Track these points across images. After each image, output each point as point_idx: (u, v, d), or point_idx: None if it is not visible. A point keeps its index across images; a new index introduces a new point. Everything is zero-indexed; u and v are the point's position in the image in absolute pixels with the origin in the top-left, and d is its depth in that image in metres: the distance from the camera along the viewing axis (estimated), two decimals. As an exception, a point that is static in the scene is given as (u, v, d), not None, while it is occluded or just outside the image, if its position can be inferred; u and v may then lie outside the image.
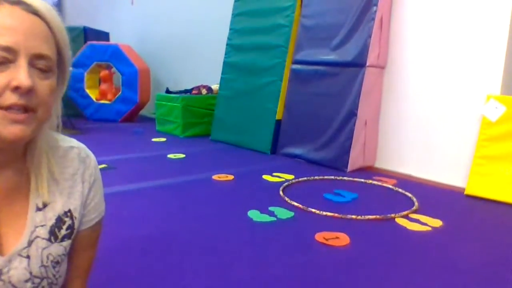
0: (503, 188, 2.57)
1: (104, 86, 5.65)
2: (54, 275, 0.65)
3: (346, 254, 1.77)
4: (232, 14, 4.29)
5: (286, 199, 2.44)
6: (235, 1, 4.28)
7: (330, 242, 1.86)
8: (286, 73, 3.75)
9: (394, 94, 3.34)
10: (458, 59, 2.93)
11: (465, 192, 2.73)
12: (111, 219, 2.08)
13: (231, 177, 2.92)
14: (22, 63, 0.58)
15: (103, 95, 5.65)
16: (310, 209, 2.28)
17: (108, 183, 2.64)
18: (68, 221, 0.66)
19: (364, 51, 3.17)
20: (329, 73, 3.40)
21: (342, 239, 1.91)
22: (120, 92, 5.48)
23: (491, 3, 2.74)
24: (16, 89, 0.57)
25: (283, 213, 2.22)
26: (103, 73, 5.59)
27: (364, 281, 1.54)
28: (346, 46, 3.29)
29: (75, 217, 0.68)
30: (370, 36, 3.15)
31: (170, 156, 3.52)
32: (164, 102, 4.80)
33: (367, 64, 3.16)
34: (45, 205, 0.64)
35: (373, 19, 3.14)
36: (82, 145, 0.74)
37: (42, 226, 0.63)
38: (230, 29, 4.30)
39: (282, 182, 2.81)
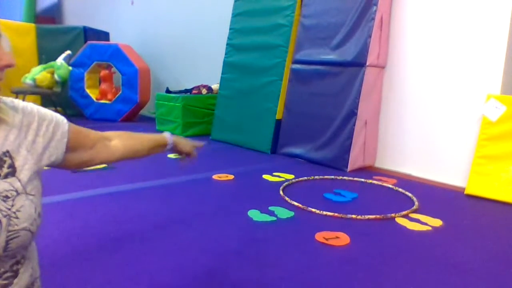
0: (503, 188, 2.57)
1: (104, 86, 5.65)
2: (8, 209, 0.72)
3: (346, 254, 1.78)
4: (232, 14, 4.29)
5: (286, 198, 2.44)
6: (235, 1, 4.28)
7: (330, 242, 1.86)
8: (286, 72, 3.76)
9: (394, 94, 3.34)
10: (458, 59, 2.93)
11: (465, 192, 2.73)
12: (111, 219, 2.09)
13: (231, 176, 2.92)
14: (1, 45, 0.70)
15: (103, 94, 5.65)
16: (310, 208, 2.28)
17: (108, 183, 2.65)
18: (8, 161, 0.74)
19: (364, 50, 3.17)
20: (329, 73, 3.40)
21: (342, 238, 1.91)
22: (120, 92, 5.48)
23: (491, 3, 2.74)
24: (5, 67, 0.71)
25: (283, 213, 2.22)
26: (103, 73, 5.59)
27: (364, 281, 1.54)
28: (346, 45, 3.29)
29: (14, 157, 0.75)
30: (370, 36, 3.15)
31: (170, 156, 3.52)
32: (164, 102, 4.80)
33: (367, 63, 3.16)
34: None
35: (373, 19, 3.14)
36: (6, 98, 0.81)
37: None
38: (230, 29, 4.30)
39: (282, 182, 2.81)
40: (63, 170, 0.92)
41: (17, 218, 0.72)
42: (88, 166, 0.97)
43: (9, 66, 0.72)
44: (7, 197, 0.72)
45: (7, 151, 0.75)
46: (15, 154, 0.75)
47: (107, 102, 5.57)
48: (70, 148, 0.87)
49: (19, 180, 0.75)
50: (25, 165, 0.77)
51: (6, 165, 0.74)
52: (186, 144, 1.26)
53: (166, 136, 1.19)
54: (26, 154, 0.77)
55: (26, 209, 0.74)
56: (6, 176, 0.73)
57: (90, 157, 0.94)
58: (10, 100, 0.80)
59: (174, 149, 1.23)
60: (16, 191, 0.74)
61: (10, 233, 0.71)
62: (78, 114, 5.59)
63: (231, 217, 2.15)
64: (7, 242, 0.71)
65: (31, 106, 0.82)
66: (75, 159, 0.90)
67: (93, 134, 0.97)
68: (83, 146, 0.92)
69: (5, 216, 0.71)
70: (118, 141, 1.02)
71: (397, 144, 3.35)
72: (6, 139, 0.75)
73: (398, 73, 3.30)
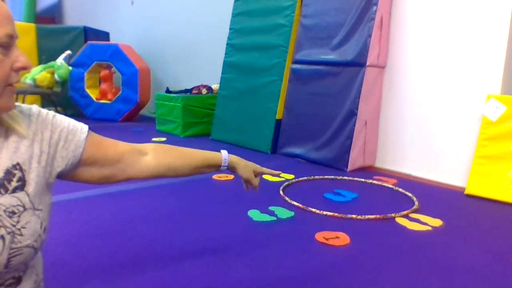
0: (503, 188, 2.57)
1: (104, 86, 5.65)
2: (13, 225, 0.68)
3: (346, 254, 1.78)
4: (232, 14, 4.29)
5: (286, 198, 2.44)
6: (235, 1, 4.28)
7: (330, 242, 1.86)
8: (286, 72, 3.75)
9: (394, 94, 3.34)
10: (458, 59, 2.93)
11: (465, 192, 2.73)
12: (111, 219, 2.09)
13: (231, 176, 2.92)
14: (18, 48, 0.69)
15: (103, 94, 5.65)
16: (310, 208, 2.28)
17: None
18: (18, 174, 0.70)
19: (364, 50, 3.17)
20: (329, 73, 3.40)
21: (342, 238, 1.91)
22: (120, 92, 5.48)
23: (491, 3, 2.74)
24: (21, 69, 0.68)
25: (283, 213, 2.22)
26: (103, 72, 5.59)
27: (364, 281, 1.54)
28: (346, 45, 3.29)
29: (25, 170, 0.71)
30: (370, 36, 3.15)
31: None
32: (164, 102, 4.80)
33: (367, 63, 3.16)
34: None
35: (373, 18, 3.14)
36: (25, 105, 0.77)
37: None
38: (230, 29, 4.30)
39: (282, 182, 2.81)
40: (83, 183, 0.85)
41: (21, 235, 0.69)
42: (111, 183, 0.87)
43: (25, 68, 0.69)
44: (13, 212, 0.69)
45: (18, 164, 0.71)
46: (26, 167, 0.72)
47: (107, 102, 5.57)
48: (85, 161, 0.81)
49: (28, 195, 0.71)
50: (36, 178, 0.73)
51: (15, 179, 0.70)
52: (246, 168, 1.05)
53: (223, 155, 1.01)
54: (37, 167, 0.73)
55: (32, 225, 0.71)
56: (14, 190, 0.70)
57: (113, 173, 0.86)
58: (28, 107, 0.76)
59: (231, 171, 1.05)
60: (24, 206, 0.70)
61: (12, 251, 0.68)
62: (78, 114, 5.59)
63: (231, 217, 2.15)
64: (8, 260, 0.68)
65: (47, 114, 0.78)
66: (94, 174, 0.84)
67: (120, 146, 0.88)
68: (102, 161, 0.84)
69: (9, 233, 0.68)
70: (153, 156, 0.92)
71: (397, 144, 3.35)
72: (16, 151, 0.71)
73: (398, 73, 3.30)
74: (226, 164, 1.02)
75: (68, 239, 1.79)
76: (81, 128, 0.81)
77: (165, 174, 0.94)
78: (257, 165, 1.10)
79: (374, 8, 3.14)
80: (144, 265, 1.58)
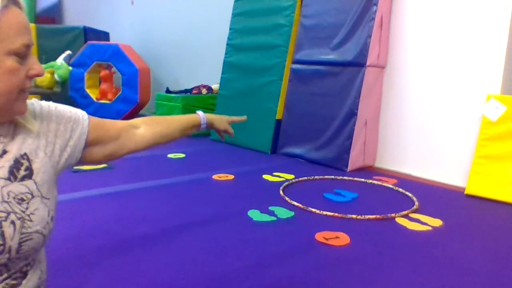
0: (503, 188, 2.57)
1: (104, 86, 5.65)
2: (22, 211, 0.72)
3: (346, 254, 1.78)
4: (232, 14, 4.29)
5: (286, 198, 2.44)
6: (235, 1, 4.28)
7: (330, 242, 1.86)
8: (286, 72, 3.76)
9: (394, 94, 3.34)
10: (458, 59, 2.93)
11: (465, 192, 2.73)
12: (111, 218, 2.09)
13: (231, 176, 2.92)
14: (33, 55, 0.72)
15: (103, 94, 5.65)
16: (310, 208, 2.28)
17: (108, 182, 2.65)
18: (25, 163, 0.75)
19: (364, 50, 3.17)
20: (329, 73, 3.40)
21: (342, 238, 1.91)
22: (120, 92, 5.48)
23: (491, 3, 2.74)
24: (35, 76, 0.73)
25: (283, 213, 2.22)
26: (103, 73, 5.59)
27: (364, 281, 1.54)
28: (346, 45, 3.29)
29: (31, 160, 0.76)
30: (370, 36, 3.15)
31: (170, 155, 3.53)
32: (164, 102, 4.81)
33: (367, 63, 3.16)
34: (4, 152, 0.73)
35: (373, 19, 3.14)
36: (30, 101, 0.81)
37: (0, 168, 0.72)
38: (230, 29, 4.30)
39: (282, 182, 2.81)
40: (88, 165, 0.90)
41: (30, 221, 0.73)
42: (114, 159, 0.95)
43: (39, 75, 0.74)
44: (22, 199, 0.73)
45: (25, 154, 0.75)
46: (33, 157, 0.76)
47: (107, 102, 5.56)
48: (90, 143, 0.86)
49: (35, 183, 0.75)
50: (42, 167, 0.77)
51: (23, 168, 0.74)
52: (222, 121, 1.19)
53: (200, 115, 1.13)
54: (44, 157, 0.78)
55: (40, 212, 0.75)
56: (22, 178, 0.74)
57: (114, 149, 0.92)
58: (29, 102, 0.80)
59: (209, 128, 1.17)
60: (32, 194, 0.74)
61: (23, 236, 0.72)
62: (78, 114, 5.58)
63: (231, 217, 2.15)
64: (20, 244, 0.72)
65: (49, 106, 0.82)
66: (98, 153, 0.89)
67: (117, 124, 0.95)
68: (105, 139, 0.90)
69: (19, 219, 0.71)
70: (145, 128, 1.00)
71: (397, 144, 3.35)
72: (24, 142, 0.76)
73: (398, 73, 3.30)
74: (205, 122, 1.13)
75: (67, 239, 1.79)
76: (82, 115, 0.87)
77: (159, 142, 1.03)
78: (227, 116, 1.24)
79: (374, 8, 3.14)
80: (144, 265, 1.58)
